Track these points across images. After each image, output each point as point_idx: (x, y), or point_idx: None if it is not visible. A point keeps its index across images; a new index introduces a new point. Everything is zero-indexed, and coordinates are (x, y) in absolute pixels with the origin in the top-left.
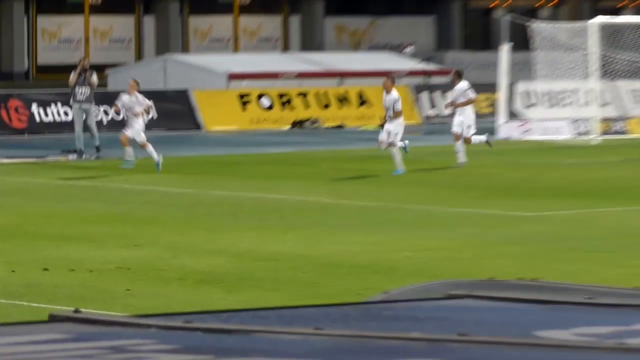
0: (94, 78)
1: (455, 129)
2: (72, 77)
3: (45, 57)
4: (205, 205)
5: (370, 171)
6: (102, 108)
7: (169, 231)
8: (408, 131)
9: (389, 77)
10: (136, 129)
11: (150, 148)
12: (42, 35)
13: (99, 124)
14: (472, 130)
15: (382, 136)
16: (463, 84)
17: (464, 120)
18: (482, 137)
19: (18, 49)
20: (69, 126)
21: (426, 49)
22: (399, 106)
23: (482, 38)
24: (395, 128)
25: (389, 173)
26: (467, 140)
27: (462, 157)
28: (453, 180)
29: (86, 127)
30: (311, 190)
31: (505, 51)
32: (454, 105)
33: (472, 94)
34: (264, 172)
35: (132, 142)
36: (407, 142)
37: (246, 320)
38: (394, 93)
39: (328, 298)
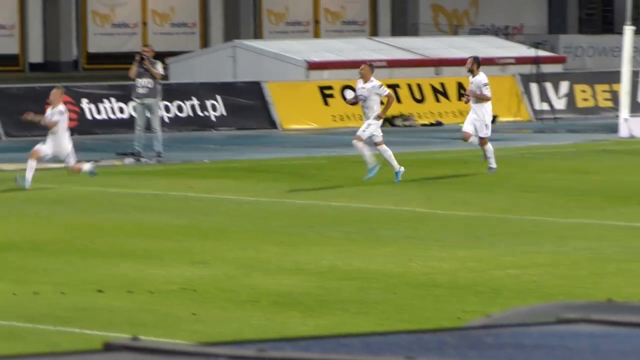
0: (159, 68)
1: (466, 127)
2: (133, 67)
3: (97, 44)
4: (282, 216)
5: (472, 176)
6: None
7: (240, 246)
8: (516, 128)
9: (368, 65)
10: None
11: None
12: (92, 18)
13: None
14: (488, 131)
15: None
16: (481, 77)
17: (477, 118)
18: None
19: (65, 35)
20: (124, 125)
21: (537, 32)
22: (384, 91)
23: (601, 19)
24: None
25: (495, 177)
26: (482, 142)
27: (492, 163)
28: (565, 186)
29: (148, 126)
30: (403, 198)
31: (628, 34)
32: (474, 96)
33: (488, 92)
34: (348, 177)
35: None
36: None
37: (328, 348)
38: (375, 82)
39: (422, 323)
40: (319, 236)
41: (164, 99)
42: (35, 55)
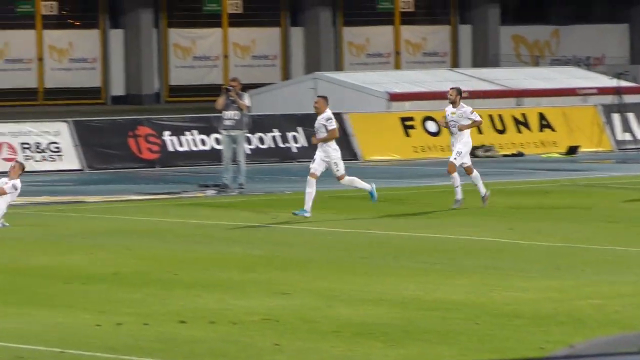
0: (246, 100)
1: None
2: (220, 99)
3: (178, 76)
4: (364, 247)
5: (553, 206)
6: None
7: (322, 277)
8: (598, 158)
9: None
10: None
11: None
12: (174, 51)
13: None
14: (467, 159)
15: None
16: (465, 107)
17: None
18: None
19: (147, 67)
20: (206, 157)
21: (619, 63)
22: (333, 125)
23: None
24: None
25: (576, 208)
26: (467, 171)
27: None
28: None
29: (231, 159)
30: (485, 228)
31: None
32: (467, 127)
33: (477, 117)
34: (430, 207)
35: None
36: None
37: None
38: (328, 112)
39: (505, 353)
40: (401, 267)
41: (248, 131)
42: (118, 88)
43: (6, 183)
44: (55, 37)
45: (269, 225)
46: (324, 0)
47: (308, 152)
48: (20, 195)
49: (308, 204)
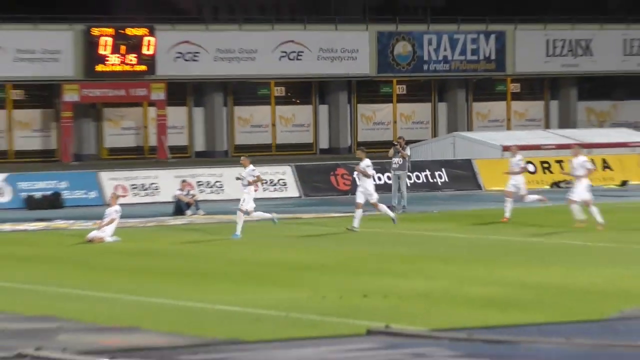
0: (407, 151)
1: (359, 199)
2: (391, 151)
3: (365, 135)
4: (484, 246)
5: (612, 219)
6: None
7: (457, 267)
8: None
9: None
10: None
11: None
12: (361, 118)
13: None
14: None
15: (360, 199)
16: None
17: (364, 190)
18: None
19: (343, 130)
20: (381, 187)
21: None
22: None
23: None
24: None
25: (627, 221)
26: (374, 205)
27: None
28: None
29: (398, 189)
30: (566, 236)
31: None
32: (361, 172)
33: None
34: (531, 221)
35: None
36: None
37: (515, 333)
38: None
39: (576, 316)
40: (509, 260)
41: (409, 171)
42: (324, 143)
43: (116, 211)
44: (283, 110)
45: (423, 233)
46: (460, 84)
47: (448, 185)
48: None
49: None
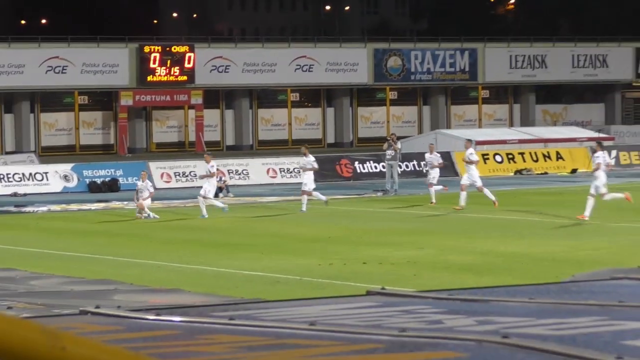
0: (398, 145)
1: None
2: (385, 145)
3: (363, 132)
4: (462, 222)
5: (564, 200)
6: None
7: (439, 238)
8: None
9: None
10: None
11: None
12: (361, 119)
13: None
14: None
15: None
16: (311, 157)
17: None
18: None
19: (346, 128)
20: (377, 175)
21: (598, 124)
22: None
23: (634, 116)
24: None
25: (577, 202)
26: (307, 193)
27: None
28: None
29: (390, 176)
30: (528, 213)
31: None
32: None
33: (316, 164)
34: (499, 202)
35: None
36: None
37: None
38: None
39: (538, 280)
40: (487, 234)
41: (399, 161)
42: (330, 138)
43: (151, 186)
44: (297, 112)
45: (412, 211)
46: (441, 91)
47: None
48: (275, 195)
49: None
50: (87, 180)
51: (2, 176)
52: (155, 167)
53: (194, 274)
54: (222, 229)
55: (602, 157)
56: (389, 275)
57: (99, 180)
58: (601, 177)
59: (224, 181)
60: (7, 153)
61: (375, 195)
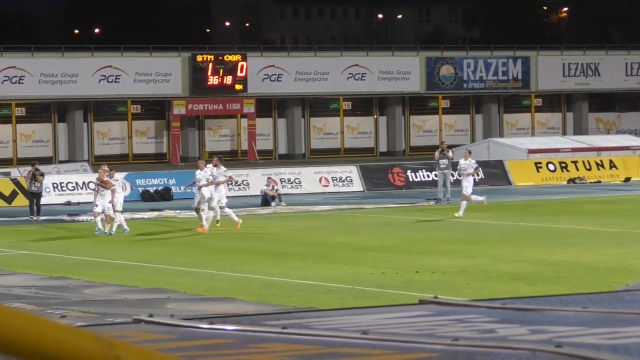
0: (450, 154)
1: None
2: (437, 153)
3: (416, 141)
4: (514, 231)
5: (617, 209)
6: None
7: (491, 247)
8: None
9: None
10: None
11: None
12: (413, 127)
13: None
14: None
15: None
16: (223, 169)
17: (212, 196)
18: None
19: (398, 136)
20: (429, 184)
21: None
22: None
23: None
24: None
25: (629, 211)
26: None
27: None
28: None
29: (443, 185)
30: (580, 222)
31: None
32: (213, 183)
33: (223, 178)
34: (551, 210)
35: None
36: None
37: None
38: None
39: (590, 288)
40: (535, 242)
41: (452, 170)
42: (383, 146)
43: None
44: (349, 120)
45: (464, 220)
46: (493, 99)
47: (484, 181)
48: (327, 203)
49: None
50: (140, 189)
51: (55, 185)
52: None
53: (247, 282)
54: (273, 237)
55: None
56: (441, 284)
57: (151, 189)
58: None
59: (276, 190)
60: (60, 162)
61: (427, 204)
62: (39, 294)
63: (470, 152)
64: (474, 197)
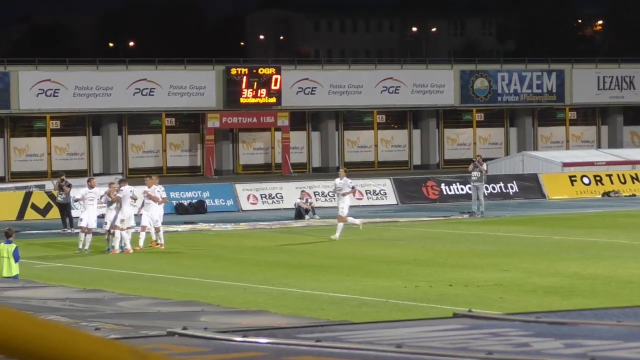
0: (484, 167)
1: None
2: (471, 166)
3: (450, 154)
4: (548, 245)
5: None
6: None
7: (525, 261)
8: None
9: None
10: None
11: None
12: (447, 140)
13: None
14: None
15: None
16: (159, 187)
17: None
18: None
19: (432, 150)
20: (463, 197)
21: None
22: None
23: None
24: None
25: None
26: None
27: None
28: None
29: (477, 198)
30: (614, 235)
31: None
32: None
33: (159, 195)
34: (585, 224)
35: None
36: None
37: (573, 316)
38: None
39: (624, 303)
40: (568, 256)
41: (486, 183)
42: (417, 160)
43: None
44: (383, 133)
45: (497, 233)
46: (527, 112)
47: (519, 194)
48: (361, 216)
49: None
50: (174, 202)
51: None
52: (242, 189)
53: (280, 295)
54: (306, 250)
55: None
56: (475, 298)
57: (186, 202)
58: None
59: (310, 203)
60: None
61: (461, 217)
62: (73, 307)
63: (345, 171)
64: (350, 219)
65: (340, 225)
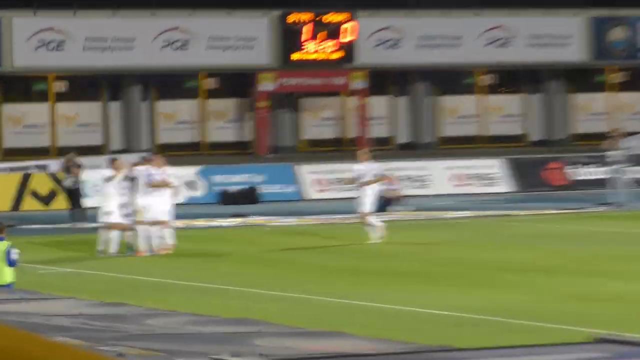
0: (627, 143)
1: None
2: (608, 142)
3: (581, 127)
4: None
5: None
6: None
7: None
8: None
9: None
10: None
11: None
12: (576, 109)
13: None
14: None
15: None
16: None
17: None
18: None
19: (558, 122)
20: (600, 183)
21: None
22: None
23: None
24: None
25: None
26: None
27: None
28: None
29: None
30: None
31: None
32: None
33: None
34: None
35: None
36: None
37: None
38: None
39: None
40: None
41: (629, 164)
42: (537, 135)
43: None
44: (492, 100)
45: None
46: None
47: None
48: (463, 208)
49: None
50: (218, 189)
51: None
52: (306, 172)
53: (355, 310)
54: (387, 253)
55: None
56: (620, 318)
57: (233, 189)
58: None
59: (396, 190)
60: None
61: (597, 210)
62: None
63: (368, 154)
64: (372, 220)
65: (372, 222)
